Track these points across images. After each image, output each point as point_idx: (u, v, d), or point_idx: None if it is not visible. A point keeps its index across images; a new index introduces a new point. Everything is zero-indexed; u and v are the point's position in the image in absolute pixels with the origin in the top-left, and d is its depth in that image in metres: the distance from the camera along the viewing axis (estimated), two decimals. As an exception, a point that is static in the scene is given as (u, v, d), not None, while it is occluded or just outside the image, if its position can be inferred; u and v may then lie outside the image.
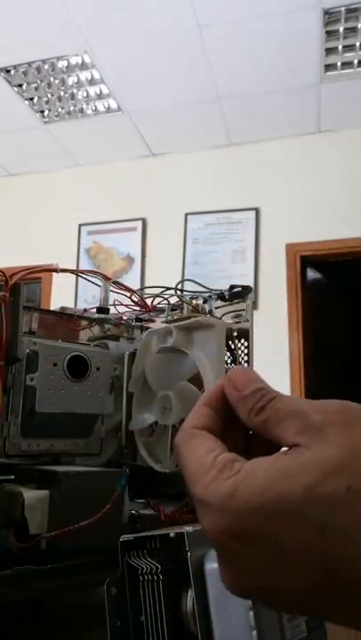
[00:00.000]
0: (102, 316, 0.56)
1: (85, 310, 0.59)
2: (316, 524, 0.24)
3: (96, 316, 0.56)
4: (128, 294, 0.62)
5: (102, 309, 0.57)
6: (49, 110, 3.58)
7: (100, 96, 3.44)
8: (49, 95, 3.44)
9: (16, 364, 0.50)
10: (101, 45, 3.00)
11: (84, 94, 3.42)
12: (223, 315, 0.68)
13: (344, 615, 0.25)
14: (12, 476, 0.51)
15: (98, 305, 0.58)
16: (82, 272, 0.59)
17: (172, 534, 0.36)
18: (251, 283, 3.51)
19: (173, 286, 0.66)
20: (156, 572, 0.36)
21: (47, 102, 3.50)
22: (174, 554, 0.35)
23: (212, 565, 0.34)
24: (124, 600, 0.39)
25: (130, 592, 0.38)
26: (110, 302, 0.60)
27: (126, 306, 0.65)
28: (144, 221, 3.97)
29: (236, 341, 0.66)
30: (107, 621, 0.39)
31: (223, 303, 0.68)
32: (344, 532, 0.24)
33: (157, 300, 0.67)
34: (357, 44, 2.98)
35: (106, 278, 0.57)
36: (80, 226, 4.10)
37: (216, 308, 0.68)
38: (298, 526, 0.24)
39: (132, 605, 0.38)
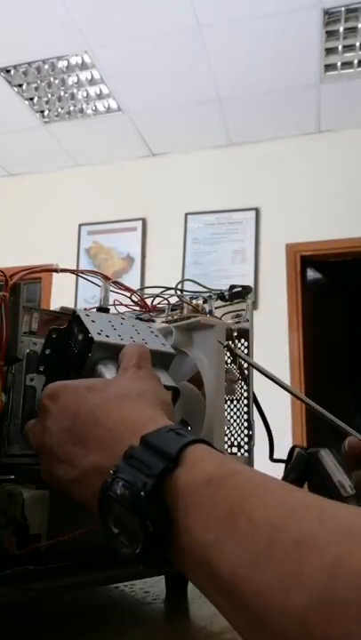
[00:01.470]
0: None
1: (86, 310, 0.59)
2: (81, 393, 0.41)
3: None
4: (128, 294, 0.62)
5: (102, 309, 0.57)
6: (49, 110, 3.58)
7: (100, 96, 3.44)
8: (49, 95, 3.44)
9: (16, 364, 0.50)
10: (101, 45, 3.00)
11: (84, 94, 3.43)
12: (223, 315, 0.68)
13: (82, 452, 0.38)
14: (12, 476, 0.51)
15: (98, 305, 0.58)
16: (82, 272, 0.59)
17: (82, 337, 0.47)
18: (251, 283, 3.51)
19: (173, 286, 0.66)
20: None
21: (47, 102, 3.50)
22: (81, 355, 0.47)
23: (106, 368, 0.46)
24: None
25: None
26: (110, 302, 0.60)
27: (126, 306, 0.65)
28: (144, 221, 3.97)
29: (236, 341, 0.66)
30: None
31: (223, 303, 0.68)
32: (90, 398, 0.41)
33: (157, 299, 0.66)
34: (357, 43, 2.98)
35: (106, 278, 0.57)
36: (80, 226, 4.10)
37: (216, 307, 0.68)
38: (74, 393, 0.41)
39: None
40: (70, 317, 0.51)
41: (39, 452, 0.43)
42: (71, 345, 0.50)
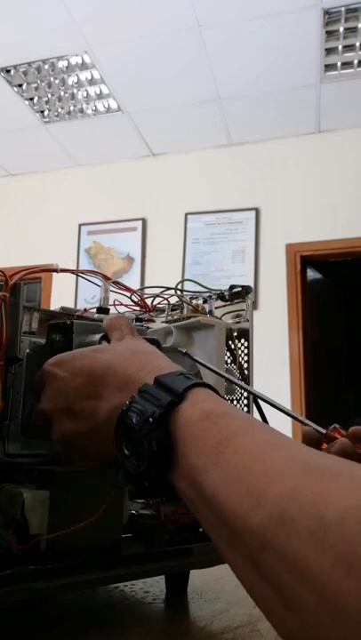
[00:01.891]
0: (102, 315, 0.56)
1: (86, 310, 0.59)
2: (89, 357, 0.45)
3: (96, 316, 0.56)
4: (128, 294, 0.62)
5: (102, 309, 0.57)
6: (49, 110, 3.58)
7: (100, 96, 3.44)
8: (49, 95, 3.44)
9: (16, 364, 0.50)
10: (101, 45, 3.00)
11: (84, 94, 3.42)
12: (223, 315, 0.68)
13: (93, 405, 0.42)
14: (12, 476, 0.51)
15: (98, 305, 0.58)
16: (82, 272, 0.59)
17: (62, 323, 0.51)
18: (251, 283, 3.51)
19: (173, 286, 0.66)
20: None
21: (47, 102, 3.50)
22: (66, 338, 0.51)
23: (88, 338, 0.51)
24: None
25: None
26: (110, 302, 0.60)
27: (126, 306, 0.65)
28: (144, 221, 3.97)
29: (236, 341, 0.66)
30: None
31: (223, 303, 0.68)
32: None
33: (157, 299, 0.66)
34: (357, 43, 2.98)
35: (106, 278, 0.57)
36: (80, 226, 4.10)
37: (216, 308, 0.68)
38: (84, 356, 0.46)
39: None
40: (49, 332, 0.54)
41: (51, 417, 0.46)
42: (56, 342, 0.52)
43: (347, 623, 0.22)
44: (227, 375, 0.58)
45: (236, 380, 0.58)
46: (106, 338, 0.50)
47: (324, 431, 0.53)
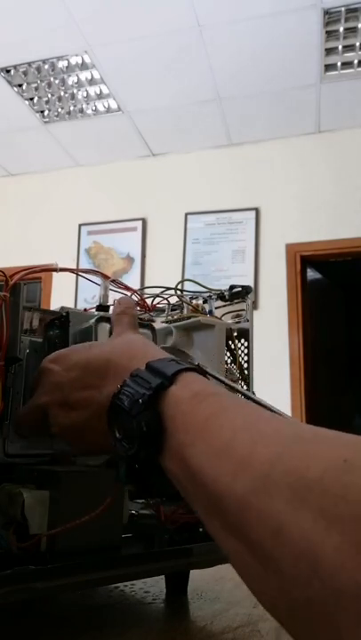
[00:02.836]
0: (102, 313, 0.56)
1: (86, 310, 0.59)
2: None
3: (96, 313, 0.56)
4: (128, 294, 0.62)
5: (102, 307, 0.57)
6: (49, 110, 3.58)
7: (100, 96, 3.44)
8: (49, 95, 3.44)
9: (16, 364, 0.50)
10: (101, 45, 3.00)
11: (84, 94, 3.42)
12: (223, 315, 0.68)
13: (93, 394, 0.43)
14: (12, 476, 0.51)
15: (98, 304, 0.58)
16: (81, 271, 0.59)
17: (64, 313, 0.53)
18: (251, 283, 3.51)
19: (173, 286, 0.66)
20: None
21: (47, 102, 3.50)
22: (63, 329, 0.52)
23: (99, 326, 0.51)
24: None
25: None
26: (110, 302, 0.60)
27: (126, 306, 0.65)
28: (144, 221, 3.97)
29: (236, 341, 0.66)
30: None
31: (223, 303, 0.68)
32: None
33: (157, 299, 0.66)
34: (357, 43, 2.98)
35: (105, 277, 0.57)
36: (80, 226, 4.10)
37: (216, 308, 0.68)
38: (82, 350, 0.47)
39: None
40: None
41: (48, 410, 0.46)
42: (53, 336, 0.53)
43: (327, 581, 0.22)
44: (233, 384, 0.58)
45: (243, 391, 0.58)
46: (101, 320, 0.52)
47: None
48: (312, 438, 0.28)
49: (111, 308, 0.57)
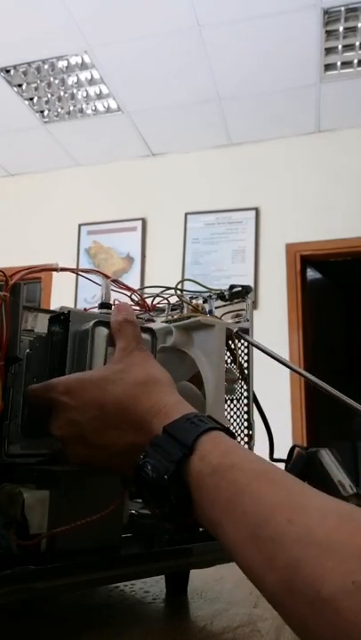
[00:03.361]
0: (104, 310, 0.56)
1: (86, 310, 0.59)
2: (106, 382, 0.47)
3: (98, 312, 0.56)
4: (128, 293, 0.62)
5: (105, 305, 0.57)
6: (49, 110, 3.58)
7: (99, 96, 3.44)
8: (49, 95, 3.44)
9: (16, 364, 0.50)
10: (101, 45, 3.00)
11: (84, 94, 3.42)
12: (223, 314, 0.68)
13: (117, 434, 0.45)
14: (12, 476, 0.51)
15: (100, 302, 0.57)
16: (82, 270, 0.59)
17: (59, 314, 0.53)
18: (251, 283, 3.51)
19: (173, 286, 0.66)
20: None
21: (47, 102, 3.50)
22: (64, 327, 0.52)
23: (83, 326, 0.52)
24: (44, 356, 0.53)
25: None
26: (111, 301, 0.60)
27: (126, 305, 0.65)
28: (144, 221, 3.97)
29: (237, 341, 0.66)
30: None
31: (223, 303, 0.68)
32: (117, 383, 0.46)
33: (157, 299, 0.66)
34: (357, 43, 2.98)
35: (105, 277, 0.57)
36: (80, 226, 4.10)
37: (216, 307, 0.68)
38: (97, 386, 0.46)
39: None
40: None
41: (65, 442, 0.47)
42: (55, 333, 0.54)
43: None
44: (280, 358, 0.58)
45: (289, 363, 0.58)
46: (99, 324, 0.52)
47: None
48: (324, 541, 0.30)
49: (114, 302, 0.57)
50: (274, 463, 0.44)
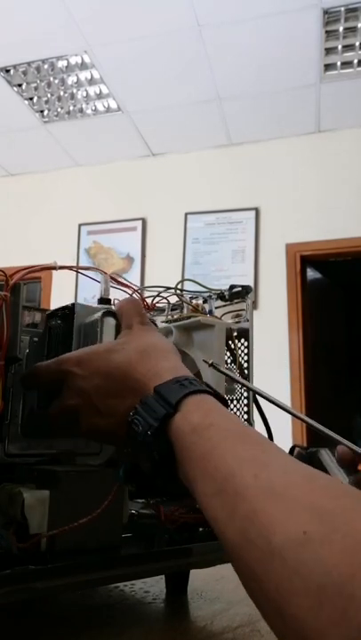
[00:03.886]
0: (105, 306, 0.56)
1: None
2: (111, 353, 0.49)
3: (98, 306, 0.56)
4: (129, 291, 0.62)
5: (104, 300, 0.57)
6: (48, 110, 3.58)
7: (99, 96, 3.44)
8: (48, 95, 3.44)
9: (16, 364, 0.50)
10: (101, 45, 3.00)
11: (84, 94, 3.42)
12: (223, 315, 0.68)
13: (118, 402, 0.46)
14: (12, 476, 0.51)
15: (99, 297, 0.58)
16: (80, 268, 0.60)
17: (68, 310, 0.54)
18: (251, 283, 3.51)
19: (173, 286, 0.66)
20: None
21: (47, 102, 3.50)
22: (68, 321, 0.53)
23: (88, 318, 0.53)
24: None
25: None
26: (109, 297, 0.60)
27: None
28: (144, 221, 3.97)
29: (236, 341, 0.66)
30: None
31: (223, 303, 0.68)
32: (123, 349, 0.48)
33: (157, 299, 0.66)
34: (357, 43, 2.98)
35: (104, 273, 0.57)
36: (80, 226, 4.10)
37: (216, 307, 0.68)
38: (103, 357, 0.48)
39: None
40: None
41: (79, 411, 0.49)
42: (55, 327, 0.54)
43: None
44: (246, 382, 0.58)
45: (253, 387, 0.58)
46: (108, 314, 0.52)
47: (360, 451, 0.52)
48: (284, 494, 0.31)
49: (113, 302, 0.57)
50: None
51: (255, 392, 0.57)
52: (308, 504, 0.30)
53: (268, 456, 0.35)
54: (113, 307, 0.55)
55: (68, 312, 0.53)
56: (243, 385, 0.61)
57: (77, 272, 0.61)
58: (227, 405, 0.43)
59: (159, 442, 0.40)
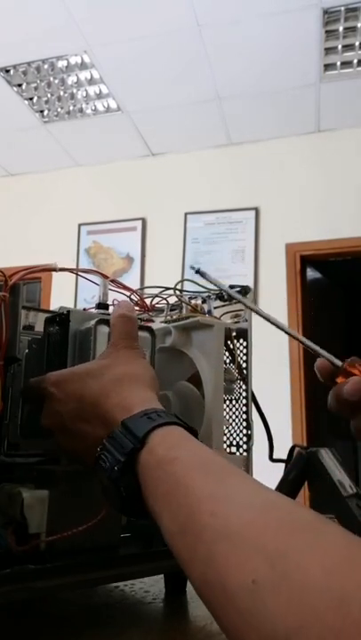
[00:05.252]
0: (103, 312, 0.56)
1: (85, 310, 0.59)
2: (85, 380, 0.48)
3: (96, 312, 0.56)
4: (127, 293, 0.62)
5: (102, 305, 0.57)
6: (48, 110, 3.58)
7: (99, 96, 3.44)
8: (48, 95, 3.44)
9: (15, 364, 0.50)
10: (101, 45, 3.00)
11: (84, 94, 3.42)
12: (222, 315, 0.68)
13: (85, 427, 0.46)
14: (12, 476, 0.51)
15: (98, 302, 0.58)
16: (81, 270, 0.60)
17: (63, 314, 0.53)
18: (251, 283, 3.51)
19: (172, 286, 0.66)
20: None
21: (47, 102, 3.50)
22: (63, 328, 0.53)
23: (83, 325, 0.53)
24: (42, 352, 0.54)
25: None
26: (109, 302, 0.60)
27: (126, 306, 0.65)
28: (144, 221, 3.97)
29: (235, 341, 0.66)
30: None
31: (222, 303, 0.68)
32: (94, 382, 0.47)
33: (156, 299, 0.66)
34: (357, 43, 2.98)
35: (104, 277, 0.57)
36: (80, 226, 4.10)
37: (215, 307, 0.68)
38: (80, 381, 0.48)
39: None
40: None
41: (53, 431, 0.49)
42: (53, 334, 0.54)
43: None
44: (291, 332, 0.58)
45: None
46: (101, 322, 0.52)
47: (340, 364, 0.52)
48: (239, 534, 0.31)
49: (111, 308, 0.57)
50: (235, 458, 0.45)
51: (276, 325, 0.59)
52: (260, 546, 0.29)
53: (228, 489, 0.35)
54: (110, 311, 0.55)
55: (63, 319, 0.53)
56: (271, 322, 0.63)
57: (77, 274, 0.61)
58: (196, 435, 0.43)
59: (126, 478, 0.40)
